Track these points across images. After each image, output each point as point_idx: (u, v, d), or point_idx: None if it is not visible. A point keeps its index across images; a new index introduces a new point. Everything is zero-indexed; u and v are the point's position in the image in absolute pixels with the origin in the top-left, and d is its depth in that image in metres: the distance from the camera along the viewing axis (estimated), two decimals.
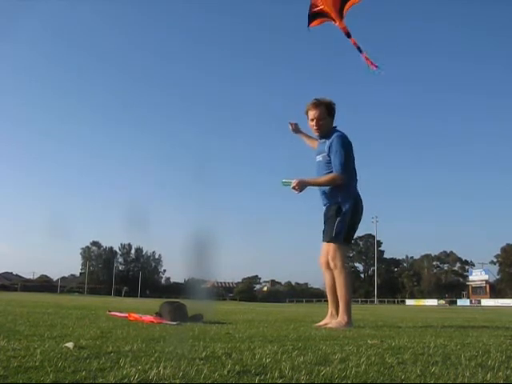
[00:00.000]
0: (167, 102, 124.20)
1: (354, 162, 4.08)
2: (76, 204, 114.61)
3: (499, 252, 77.17)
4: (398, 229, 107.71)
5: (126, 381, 1.32)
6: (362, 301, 74.16)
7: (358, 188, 4.12)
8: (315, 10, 4.65)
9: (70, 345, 1.95)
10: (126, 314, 4.34)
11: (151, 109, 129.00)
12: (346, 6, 4.54)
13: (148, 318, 3.83)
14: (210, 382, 1.35)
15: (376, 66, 4.48)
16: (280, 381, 1.38)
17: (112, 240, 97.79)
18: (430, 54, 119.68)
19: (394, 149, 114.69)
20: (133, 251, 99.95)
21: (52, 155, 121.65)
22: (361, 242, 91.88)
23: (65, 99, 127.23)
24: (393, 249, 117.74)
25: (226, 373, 1.47)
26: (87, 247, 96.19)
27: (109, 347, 1.96)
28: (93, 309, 6.50)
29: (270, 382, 1.38)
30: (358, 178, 4.09)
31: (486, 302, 57.43)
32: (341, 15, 4.56)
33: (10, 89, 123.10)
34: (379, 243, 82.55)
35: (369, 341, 2.56)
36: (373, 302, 69.68)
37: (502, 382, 1.47)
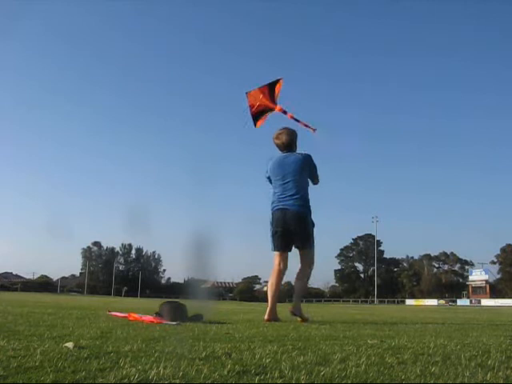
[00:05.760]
0: (167, 101, 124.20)
1: (273, 178, 4.67)
2: (76, 204, 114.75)
3: (499, 252, 77.19)
4: (398, 229, 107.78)
5: (126, 381, 1.32)
6: (361, 301, 74.17)
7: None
8: (254, 110, 5.27)
9: (69, 345, 1.95)
10: (126, 314, 4.34)
11: (151, 109, 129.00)
12: (276, 93, 5.25)
13: (148, 317, 3.82)
14: (209, 382, 1.35)
15: (314, 130, 5.10)
16: (280, 381, 1.38)
17: (113, 240, 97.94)
18: (435, 54, 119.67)
19: (394, 148, 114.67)
20: (133, 251, 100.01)
21: (52, 155, 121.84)
22: (361, 242, 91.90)
23: (65, 99, 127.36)
24: (393, 249, 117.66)
25: (225, 373, 1.46)
26: (88, 247, 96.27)
27: (109, 347, 1.96)
28: (93, 309, 6.50)
29: (269, 381, 1.37)
30: (280, 190, 4.57)
31: (486, 301, 57.43)
32: (274, 101, 5.25)
33: (11, 89, 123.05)
34: (379, 243, 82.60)
35: (369, 341, 2.55)
36: (373, 301, 69.69)
37: (502, 381, 1.47)
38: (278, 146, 4.77)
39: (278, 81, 5.32)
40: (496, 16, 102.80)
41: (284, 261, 4.55)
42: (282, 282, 4.79)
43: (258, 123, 5.31)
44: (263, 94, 5.24)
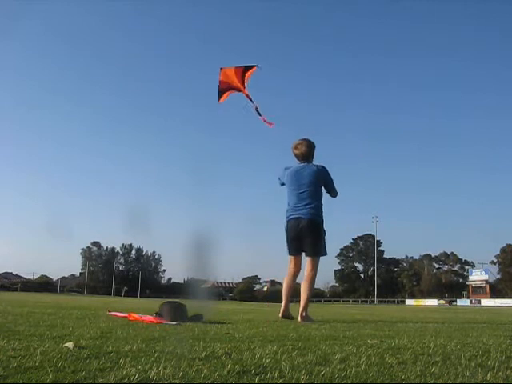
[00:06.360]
0: (167, 101, 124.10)
1: (289, 188, 4.89)
2: (76, 204, 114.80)
3: (499, 252, 77.15)
4: (398, 229, 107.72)
5: (126, 381, 1.32)
6: (361, 301, 74.18)
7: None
8: (223, 86, 5.50)
9: (69, 345, 1.95)
10: (126, 314, 4.34)
11: (151, 109, 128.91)
12: (247, 76, 5.44)
13: (148, 317, 3.82)
14: (209, 382, 1.35)
15: (270, 124, 5.43)
16: (280, 381, 1.38)
17: (113, 240, 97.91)
18: (435, 54, 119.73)
19: (394, 148, 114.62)
20: (133, 251, 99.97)
21: (52, 155, 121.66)
22: (361, 242, 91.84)
23: (65, 99, 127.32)
24: (393, 249, 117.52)
25: (225, 373, 1.47)
26: (88, 247, 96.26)
27: (109, 347, 1.96)
28: (93, 309, 6.49)
29: (269, 382, 1.38)
30: (295, 200, 4.79)
31: (486, 301, 57.39)
32: (243, 84, 5.43)
33: (11, 89, 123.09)
34: (379, 243, 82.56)
35: (369, 341, 2.56)
36: (373, 301, 69.69)
37: (502, 381, 1.47)
38: (296, 155, 4.97)
39: (252, 66, 5.51)
40: (496, 16, 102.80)
41: (298, 264, 4.89)
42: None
43: (222, 99, 5.53)
44: (236, 75, 5.44)
